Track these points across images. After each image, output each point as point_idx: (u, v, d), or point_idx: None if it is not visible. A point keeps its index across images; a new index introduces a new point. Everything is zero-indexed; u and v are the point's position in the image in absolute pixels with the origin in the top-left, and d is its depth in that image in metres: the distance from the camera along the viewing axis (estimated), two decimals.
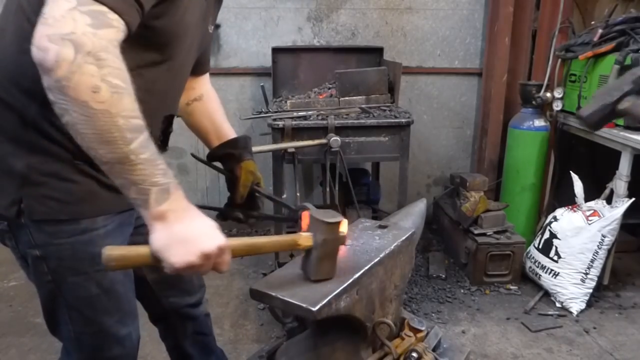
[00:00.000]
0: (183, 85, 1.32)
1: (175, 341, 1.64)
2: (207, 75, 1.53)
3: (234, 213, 1.47)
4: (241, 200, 1.46)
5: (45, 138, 1.04)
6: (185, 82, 1.33)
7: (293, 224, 2.72)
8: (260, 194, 1.48)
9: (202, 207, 1.56)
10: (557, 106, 3.07)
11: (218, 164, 1.52)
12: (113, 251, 0.91)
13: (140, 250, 0.93)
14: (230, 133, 1.49)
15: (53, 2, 0.82)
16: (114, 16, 0.86)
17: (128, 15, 0.88)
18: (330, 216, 1.11)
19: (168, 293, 1.51)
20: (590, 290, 2.68)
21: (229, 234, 3.57)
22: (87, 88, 0.81)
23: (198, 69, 1.44)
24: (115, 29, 0.86)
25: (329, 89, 3.11)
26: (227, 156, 1.46)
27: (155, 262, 0.92)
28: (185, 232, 0.92)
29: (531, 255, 2.94)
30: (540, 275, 2.84)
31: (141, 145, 0.87)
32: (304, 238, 1.10)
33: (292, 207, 1.46)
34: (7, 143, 1.05)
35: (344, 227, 1.15)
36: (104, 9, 0.84)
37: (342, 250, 1.27)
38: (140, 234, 1.33)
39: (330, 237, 1.11)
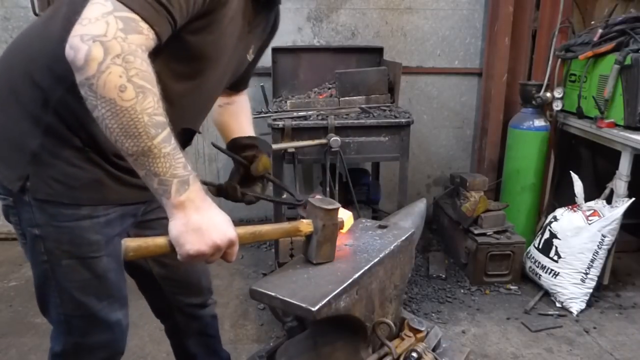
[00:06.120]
0: (210, 106, 1.36)
1: (179, 339, 1.64)
2: (245, 90, 1.61)
3: (233, 189, 1.42)
4: (256, 174, 1.43)
5: (62, 123, 1.09)
6: (213, 103, 1.38)
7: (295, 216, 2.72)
8: (270, 180, 1.51)
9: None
10: (557, 106, 3.07)
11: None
12: (131, 242, 0.98)
13: (157, 240, 1.00)
14: (251, 132, 1.55)
15: (91, 5, 0.89)
16: (144, 25, 0.92)
17: (159, 26, 0.94)
18: (327, 203, 1.20)
19: (174, 290, 1.52)
20: (590, 290, 2.68)
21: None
22: (115, 87, 0.87)
23: (237, 86, 1.53)
24: (144, 36, 0.92)
25: (329, 89, 3.11)
26: (249, 146, 1.47)
27: (171, 250, 0.99)
28: (200, 222, 0.98)
29: (531, 255, 2.94)
30: (540, 275, 2.84)
31: (164, 140, 0.93)
32: (305, 224, 1.19)
33: (296, 197, 1.43)
34: (26, 120, 1.10)
35: (349, 222, 1.27)
36: (137, 17, 0.91)
37: (342, 250, 1.28)
38: (148, 227, 1.37)
39: (328, 222, 1.19)
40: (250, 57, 1.38)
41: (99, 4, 0.89)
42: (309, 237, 1.20)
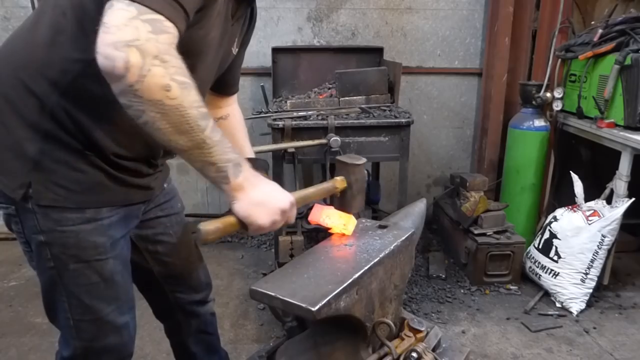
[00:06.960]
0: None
1: (179, 338, 1.65)
2: (235, 96, 1.63)
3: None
4: None
5: (61, 127, 1.09)
6: (204, 97, 1.36)
7: (293, 225, 2.72)
8: None
9: (201, 216, 1.59)
10: (557, 106, 3.07)
11: None
12: (208, 226, 1.03)
13: (228, 220, 1.07)
14: (250, 153, 1.58)
15: (113, 12, 0.87)
16: (169, 24, 0.92)
17: (180, 23, 0.94)
18: (356, 159, 1.36)
19: (175, 288, 1.53)
20: (590, 290, 2.68)
21: (224, 239, 3.56)
22: (160, 88, 0.88)
23: (227, 89, 1.55)
24: (171, 34, 0.92)
25: (329, 89, 3.11)
26: None
27: (243, 226, 1.07)
28: (262, 196, 1.07)
29: (531, 255, 2.94)
30: (540, 275, 2.84)
31: (212, 129, 0.97)
32: (339, 182, 1.35)
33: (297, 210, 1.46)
34: (24, 127, 1.09)
35: (351, 224, 1.35)
36: (161, 17, 0.90)
37: (343, 250, 1.28)
38: (148, 227, 1.38)
39: (360, 176, 1.35)
40: (234, 50, 1.39)
41: (122, 9, 0.86)
42: (343, 192, 1.34)
